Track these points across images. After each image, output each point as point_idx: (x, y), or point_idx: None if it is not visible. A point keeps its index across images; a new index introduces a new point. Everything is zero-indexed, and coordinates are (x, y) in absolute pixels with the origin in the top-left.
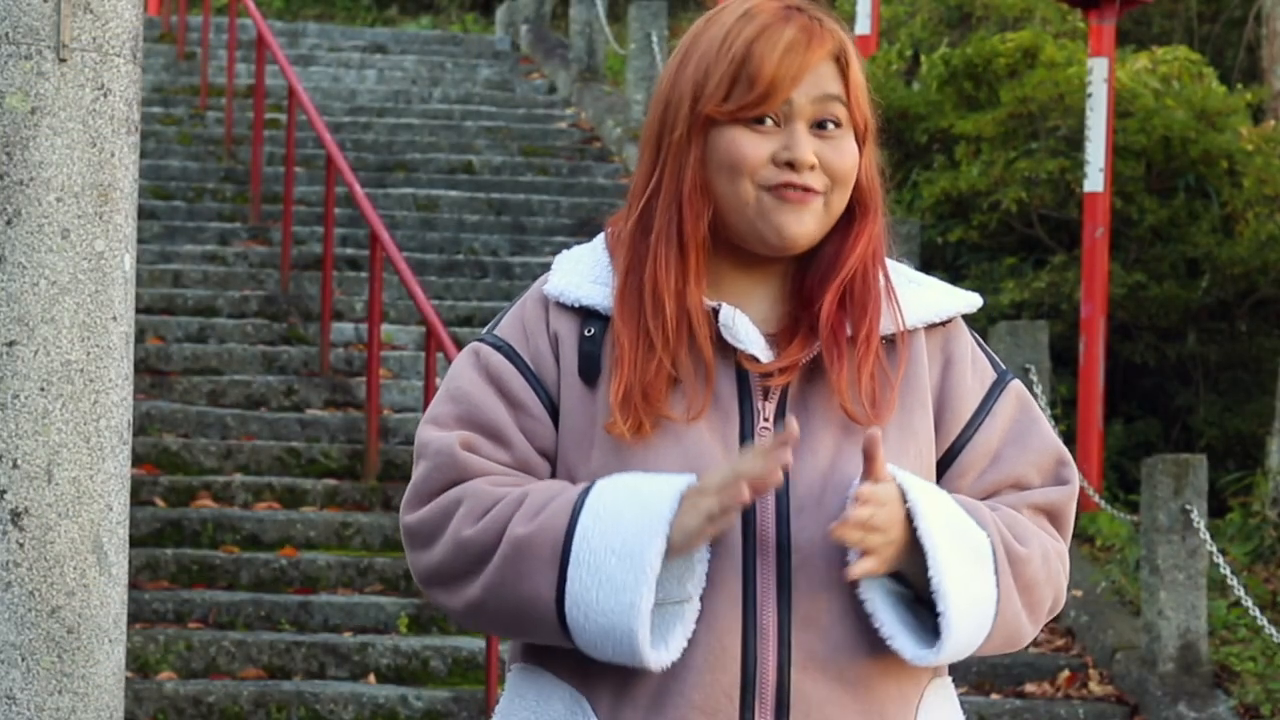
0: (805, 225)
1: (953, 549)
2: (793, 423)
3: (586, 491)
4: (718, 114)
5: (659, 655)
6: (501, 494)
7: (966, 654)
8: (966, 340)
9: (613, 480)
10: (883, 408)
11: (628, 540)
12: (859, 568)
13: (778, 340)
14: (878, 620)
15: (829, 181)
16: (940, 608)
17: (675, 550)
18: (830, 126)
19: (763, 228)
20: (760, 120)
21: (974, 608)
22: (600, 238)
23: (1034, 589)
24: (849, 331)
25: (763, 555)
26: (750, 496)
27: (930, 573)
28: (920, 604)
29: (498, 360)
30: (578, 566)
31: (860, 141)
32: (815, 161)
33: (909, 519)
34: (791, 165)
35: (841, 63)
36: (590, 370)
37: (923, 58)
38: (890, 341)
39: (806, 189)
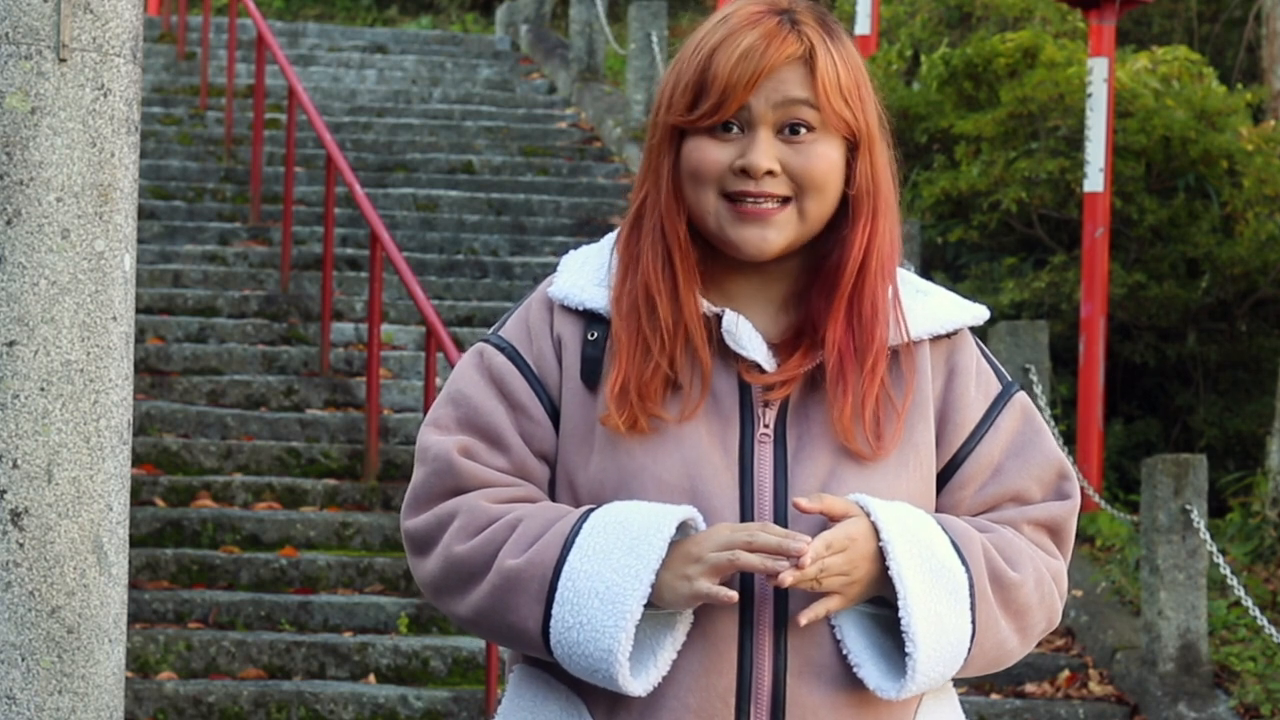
0: (768, 239)
1: (925, 589)
2: (801, 539)
3: (579, 526)
4: (681, 123)
5: (643, 682)
6: (496, 513)
7: (939, 684)
8: (971, 352)
9: (605, 514)
10: (888, 440)
11: (611, 586)
12: (813, 610)
13: (780, 350)
14: (846, 647)
15: (796, 188)
16: (908, 649)
17: (660, 604)
18: (802, 131)
19: (725, 239)
20: (726, 128)
21: (947, 647)
22: (608, 238)
23: (1025, 613)
24: (854, 352)
25: None
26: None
27: (900, 613)
28: (898, 628)
29: (500, 361)
30: (561, 605)
31: (855, 145)
32: (773, 168)
33: (883, 553)
34: (746, 172)
35: (810, 65)
36: (592, 374)
37: (923, 58)
38: (894, 353)
39: (764, 197)
